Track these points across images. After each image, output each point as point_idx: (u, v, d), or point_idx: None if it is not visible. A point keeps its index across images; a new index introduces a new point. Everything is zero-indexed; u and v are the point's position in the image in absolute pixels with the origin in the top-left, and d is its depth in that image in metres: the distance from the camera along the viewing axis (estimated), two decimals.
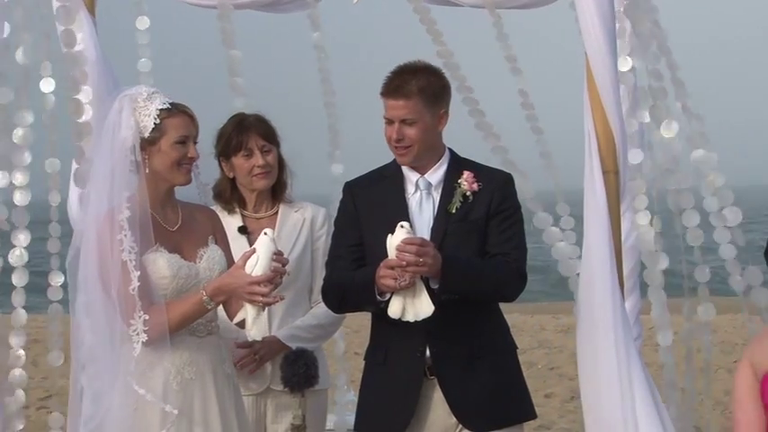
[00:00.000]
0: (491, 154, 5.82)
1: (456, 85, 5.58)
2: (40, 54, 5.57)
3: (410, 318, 4.82)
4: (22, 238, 5.63)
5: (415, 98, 4.91)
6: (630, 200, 5.45)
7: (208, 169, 5.12)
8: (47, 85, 5.63)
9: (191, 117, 4.79)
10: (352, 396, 6.45)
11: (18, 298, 5.66)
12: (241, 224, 5.57)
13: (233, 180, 5.61)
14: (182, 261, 4.75)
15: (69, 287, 4.74)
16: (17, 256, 5.61)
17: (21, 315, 5.66)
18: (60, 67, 5.46)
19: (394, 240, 4.77)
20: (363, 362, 5.14)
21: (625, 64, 5.64)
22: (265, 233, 4.68)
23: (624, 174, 5.11)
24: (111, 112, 4.70)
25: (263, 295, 4.64)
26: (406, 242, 4.73)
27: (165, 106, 4.71)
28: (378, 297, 4.85)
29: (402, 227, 4.78)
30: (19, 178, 5.60)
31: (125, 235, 4.58)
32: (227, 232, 5.30)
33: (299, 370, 5.17)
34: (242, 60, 6.15)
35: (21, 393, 5.57)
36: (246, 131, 5.53)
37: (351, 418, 5.35)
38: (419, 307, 4.81)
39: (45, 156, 5.68)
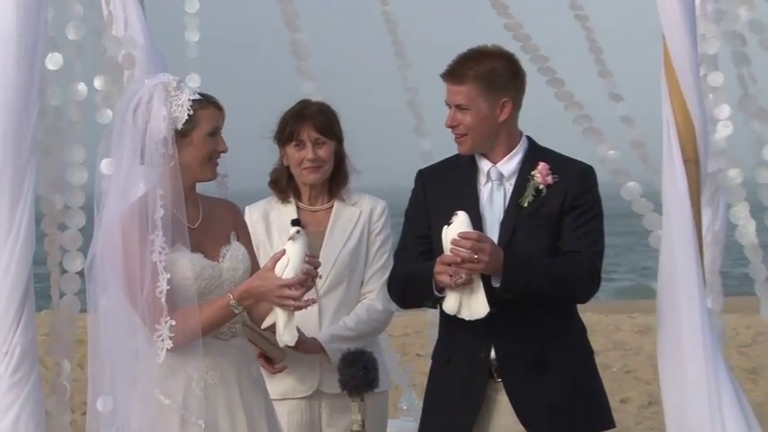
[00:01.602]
0: (573, 124, 5.78)
1: (529, 57, 5.62)
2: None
3: (465, 316, 4.76)
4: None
5: (469, 84, 4.85)
6: (712, 191, 5.36)
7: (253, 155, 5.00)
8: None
9: (220, 108, 4.74)
10: (414, 400, 6.39)
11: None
12: (295, 216, 5.54)
13: (289, 168, 5.59)
14: (204, 261, 4.69)
15: (88, 286, 4.70)
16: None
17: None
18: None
19: (450, 232, 4.70)
20: (430, 361, 5.11)
21: (711, 46, 5.48)
22: (297, 232, 4.63)
23: (704, 163, 5.02)
24: (136, 101, 4.62)
25: (294, 299, 4.59)
26: (461, 236, 4.65)
27: (196, 96, 4.66)
28: (436, 293, 4.79)
29: (457, 215, 4.70)
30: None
31: (157, 234, 4.53)
32: (279, 223, 5.44)
33: (358, 372, 5.04)
34: (307, 44, 6.19)
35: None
36: (302, 121, 5.50)
37: (413, 425, 5.33)
38: (474, 307, 4.75)
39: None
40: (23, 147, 4.89)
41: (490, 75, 4.86)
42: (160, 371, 4.58)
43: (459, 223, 4.70)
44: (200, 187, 4.85)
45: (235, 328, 4.78)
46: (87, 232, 5.02)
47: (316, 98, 5.82)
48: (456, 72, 4.87)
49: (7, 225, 4.89)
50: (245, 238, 4.89)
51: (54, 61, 5.24)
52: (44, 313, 5.46)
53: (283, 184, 5.60)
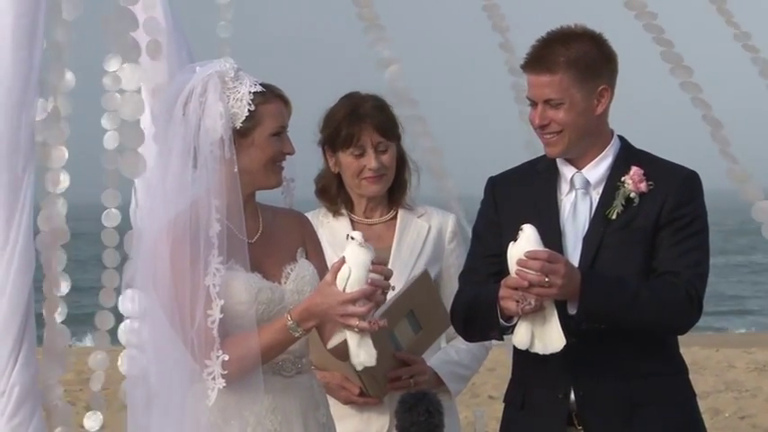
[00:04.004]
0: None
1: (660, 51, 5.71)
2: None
3: (539, 350, 4.51)
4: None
5: (561, 72, 4.59)
6: None
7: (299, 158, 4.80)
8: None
9: (286, 102, 4.46)
10: None
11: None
12: (350, 231, 5.16)
13: (339, 175, 5.30)
14: (262, 282, 4.40)
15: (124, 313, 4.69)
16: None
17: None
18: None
19: (515, 250, 4.46)
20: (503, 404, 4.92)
21: None
22: (352, 238, 4.31)
23: None
24: (187, 94, 4.34)
25: (359, 317, 4.28)
26: (529, 255, 4.41)
27: (258, 89, 4.36)
28: (502, 321, 4.54)
29: (523, 230, 4.46)
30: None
31: (213, 254, 4.27)
32: (333, 240, 5.11)
33: (419, 418, 4.76)
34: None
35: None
36: (360, 122, 5.19)
37: None
38: (548, 339, 4.50)
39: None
40: (20, 151, 4.81)
41: (584, 59, 4.62)
42: (210, 416, 4.34)
43: (526, 239, 4.45)
44: (262, 195, 4.56)
45: (301, 363, 4.50)
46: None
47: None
48: (543, 59, 4.62)
49: (2, 241, 4.82)
50: (315, 254, 4.62)
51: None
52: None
53: (333, 194, 5.30)
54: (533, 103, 4.67)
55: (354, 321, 4.28)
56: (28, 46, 4.79)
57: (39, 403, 4.91)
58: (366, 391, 5.10)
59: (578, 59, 4.60)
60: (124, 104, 5.03)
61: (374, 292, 4.28)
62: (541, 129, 4.65)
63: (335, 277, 4.29)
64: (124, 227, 5.23)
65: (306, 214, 5.22)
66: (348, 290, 4.29)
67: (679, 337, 4.74)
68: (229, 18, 5.87)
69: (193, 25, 5.52)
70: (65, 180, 5.20)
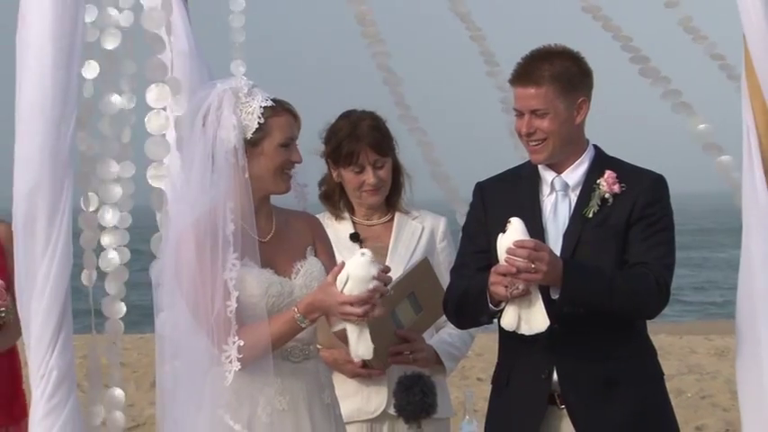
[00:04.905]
0: (661, 99, 5.88)
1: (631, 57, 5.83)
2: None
3: (525, 331, 4.71)
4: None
5: (546, 85, 4.82)
6: None
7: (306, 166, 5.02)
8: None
9: (294, 116, 4.70)
10: (474, 427, 6.38)
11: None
12: (352, 231, 5.53)
13: (341, 183, 5.57)
14: (273, 277, 4.65)
15: (155, 306, 4.73)
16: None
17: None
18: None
19: (504, 240, 4.65)
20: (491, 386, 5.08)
21: None
22: (363, 254, 4.54)
23: None
24: (206, 107, 4.61)
25: (357, 316, 4.53)
26: (517, 244, 4.61)
27: (268, 103, 4.62)
28: (491, 306, 4.75)
29: (511, 222, 4.66)
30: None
31: (229, 251, 4.51)
32: (338, 241, 5.30)
33: (415, 398, 5.17)
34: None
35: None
36: (357, 141, 5.46)
37: None
38: (533, 320, 4.69)
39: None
40: (61, 159, 4.91)
41: (566, 74, 4.86)
42: (226, 396, 4.58)
43: (514, 230, 4.65)
44: (279, 199, 4.81)
45: (308, 350, 4.74)
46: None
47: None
48: (530, 74, 4.84)
49: (44, 241, 4.91)
50: (324, 252, 4.84)
51: (91, 70, 5.26)
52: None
53: (336, 200, 5.58)
54: (520, 114, 4.87)
55: (353, 319, 4.53)
56: (66, 66, 4.87)
57: (74, 385, 4.97)
58: (369, 365, 5.28)
59: (561, 74, 4.83)
60: (151, 121, 5.16)
61: (371, 297, 4.50)
62: (528, 137, 4.86)
63: (335, 279, 4.52)
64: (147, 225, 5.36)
65: None
66: (345, 293, 4.51)
67: (648, 325, 4.95)
68: (243, 40, 5.89)
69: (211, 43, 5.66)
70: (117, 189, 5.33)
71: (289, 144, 4.66)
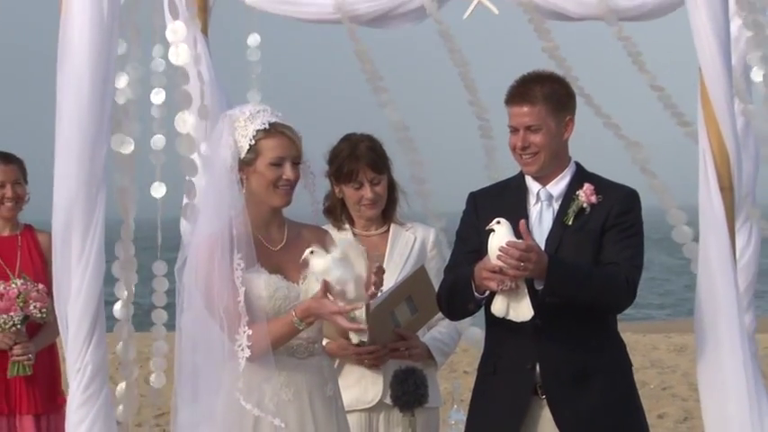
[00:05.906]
0: (611, 138, 5.97)
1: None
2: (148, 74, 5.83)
3: (512, 317, 4.95)
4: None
5: (539, 104, 5.07)
6: (745, 217, 5.68)
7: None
8: (157, 98, 5.87)
9: (289, 138, 4.90)
10: (461, 416, 6.70)
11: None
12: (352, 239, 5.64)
13: (342, 199, 5.89)
14: (280, 281, 4.88)
15: (177, 299, 4.93)
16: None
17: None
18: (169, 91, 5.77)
19: (495, 241, 4.89)
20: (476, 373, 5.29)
21: (758, 75, 5.76)
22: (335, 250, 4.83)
23: (739, 190, 5.26)
24: (219, 131, 4.93)
25: (343, 327, 4.82)
26: (509, 245, 4.83)
27: (263, 127, 4.86)
28: (476, 294, 4.98)
29: (499, 223, 4.89)
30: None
31: (235, 251, 4.78)
32: None
33: (409, 389, 5.35)
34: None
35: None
36: (357, 161, 5.76)
37: None
38: (520, 309, 4.94)
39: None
40: (96, 173, 5.15)
41: (555, 95, 5.11)
42: (241, 379, 4.79)
43: (503, 231, 4.89)
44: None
45: (313, 348, 4.96)
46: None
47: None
48: (524, 94, 5.08)
49: (79, 251, 5.16)
50: None
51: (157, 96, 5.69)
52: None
53: (338, 214, 5.88)
54: (515, 130, 5.11)
55: (341, 326, 4.82)
56: (101, 98, 5.16)
57: (107, 378, 5.23)
58: (362, 344, 5.32)
59: (551, 95, 5.09)
60: (181, 143, 5.62)
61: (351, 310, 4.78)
62: (522, 150, 5.09)
63: (324, 293, 4.78)
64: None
65: None
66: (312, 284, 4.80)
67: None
68: (259, 72, 6.28)
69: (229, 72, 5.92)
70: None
71: (280, 163, 4.88)
